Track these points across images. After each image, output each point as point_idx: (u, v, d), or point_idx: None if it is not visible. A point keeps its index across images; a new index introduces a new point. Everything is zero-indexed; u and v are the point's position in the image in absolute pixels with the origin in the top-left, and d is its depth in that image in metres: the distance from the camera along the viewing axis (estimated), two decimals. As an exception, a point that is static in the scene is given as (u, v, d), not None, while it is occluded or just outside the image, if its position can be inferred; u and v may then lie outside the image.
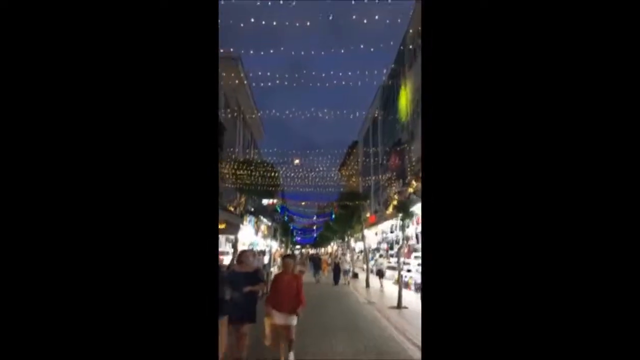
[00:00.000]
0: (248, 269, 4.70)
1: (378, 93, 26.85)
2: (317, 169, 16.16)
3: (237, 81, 18.41)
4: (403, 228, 11.83)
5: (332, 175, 16.31)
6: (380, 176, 21.11)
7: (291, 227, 38.90)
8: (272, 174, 13.64)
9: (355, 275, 19.21)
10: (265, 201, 21.40)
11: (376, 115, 26.59)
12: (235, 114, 19.45)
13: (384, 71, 17.12)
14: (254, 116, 23.04)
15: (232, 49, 15.28)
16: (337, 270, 16.97)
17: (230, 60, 16.96)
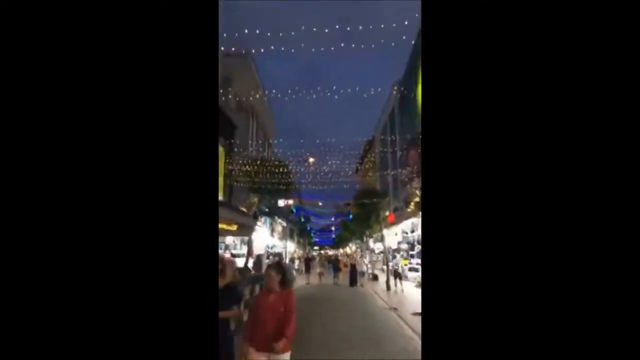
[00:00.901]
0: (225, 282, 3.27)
1: (394, 88, 26.03)
2: (332, 166, 15.42)
3: (249, 80, 17.92)
4: (426, 226, 10.91)
5: (349, 171, 15.54)
6: (399, 170, 20.09)
7: (308, 228, 38.32)
8: (283, 169, 12.97)
9: (375, 277, 18.51)
10: (281, 202, 20.75)
11: (393, 110, 25.69)
12: (250, 116, 18.94)
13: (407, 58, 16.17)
14: (267, 116, 22.57)
15: (243, 51, 14.68)
16: (353, 272, 16.78)
17: (243, 59, 16.46)
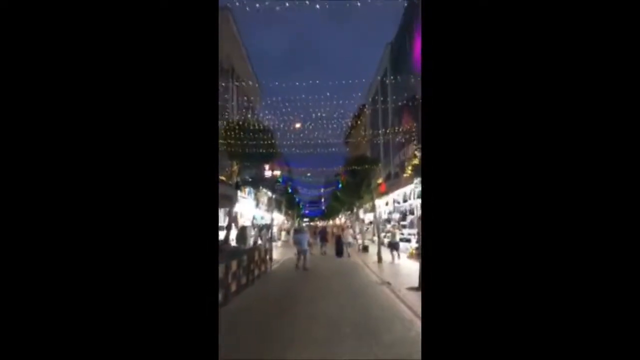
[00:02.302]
0: None
1: (386, 51, 24.43)
2: (321, 130, 14.12)
3: (226, 34, 16.21)
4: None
5: (337, 130, 14.26)
6: (395, 129, 18.66)
7: (297, 200, 37.28)
8: (265, 128, 11.72)
9: (365, 249, 17.73)
10: (267, 173, 19.47)
11: (386, 71, 24.19)
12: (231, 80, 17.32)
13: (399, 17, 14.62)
14: (250, 80, 20.97)
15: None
16: (339, 243, 16.44)
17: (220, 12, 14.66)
